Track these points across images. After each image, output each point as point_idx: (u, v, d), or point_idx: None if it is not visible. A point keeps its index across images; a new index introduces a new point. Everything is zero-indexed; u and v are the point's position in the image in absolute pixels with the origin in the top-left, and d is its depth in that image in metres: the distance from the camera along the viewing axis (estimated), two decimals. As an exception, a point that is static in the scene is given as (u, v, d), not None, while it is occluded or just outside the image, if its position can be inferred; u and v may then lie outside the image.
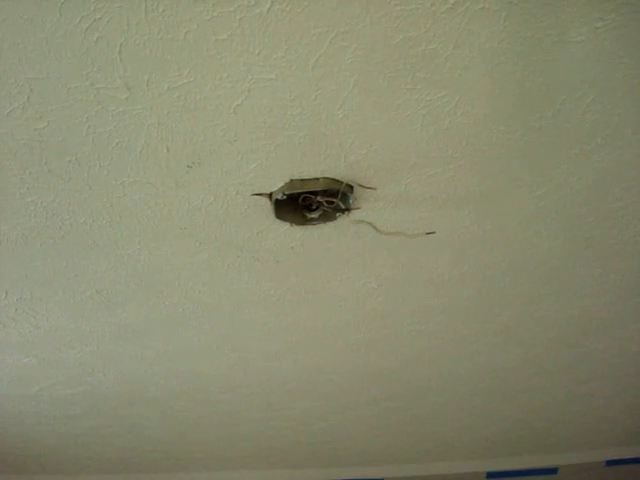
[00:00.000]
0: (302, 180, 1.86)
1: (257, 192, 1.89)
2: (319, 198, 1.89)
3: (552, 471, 4.65)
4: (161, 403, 3.34)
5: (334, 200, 1.88)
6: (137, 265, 2.20)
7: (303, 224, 2.02)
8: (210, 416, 3.56)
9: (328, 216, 1.99)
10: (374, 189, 1.91)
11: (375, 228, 2.05)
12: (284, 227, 2.06)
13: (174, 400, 3.32)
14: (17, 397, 3.18)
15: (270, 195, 1.89)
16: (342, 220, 2.02)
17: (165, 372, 3.01)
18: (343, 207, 1.92)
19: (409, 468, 4.58)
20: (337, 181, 1.86)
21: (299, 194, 1.88)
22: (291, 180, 1.85)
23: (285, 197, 1.87)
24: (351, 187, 1.89)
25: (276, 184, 1.87)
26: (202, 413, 3.51)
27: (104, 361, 2.87)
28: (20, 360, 2.81)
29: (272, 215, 1.96)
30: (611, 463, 4.61)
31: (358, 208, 1.98)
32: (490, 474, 4.67)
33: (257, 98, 1.57)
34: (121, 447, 3.95)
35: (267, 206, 1.94)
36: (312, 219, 2.00)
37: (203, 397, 3.31)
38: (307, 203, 1.93)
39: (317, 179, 1.85)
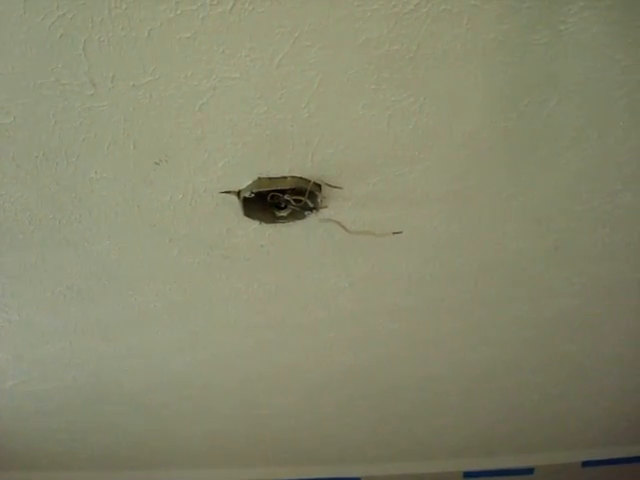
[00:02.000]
0: (270, 178, 1.86)
1: (225, 190, 1.89)
2: (287, 197, 1.89)
3: (528, 471, 4.66)
4: (136, 399, 3.34)
5: (302, 199, 1.89)
6: (107, 261, 2.20)
7: (272, 222, 2.03)
8: (185, 413, 3.56)
9: (297, 215, 1.99)
10: (341, 188, 1.92)
11: (343, 227, 2.05)
12: (253, 225, 2.06)
13: (149, 396, 3.31)
14: (-10, 392, 3.17)
15: (238, 193, 1.90)
16: (311, 219, 2.03)
17: (139, 368, 3.00)
18: (311, 206, 1.93)
19: (385, 467, 4.59)
20: (305, 180, 1.86)
21: (267, 192, 1.88)
22: (259, 178, 1.86)
23: (253, 195, 1.87)
24: (319, 186, 1.89)
25: (244, 182, 1.87)
26: (177, 409, 3.51)
27: (78, 357, 2.86)
28: (-7, 355, 2.81)
29: (241, 213, 1.97)
30: (587, 464, 4.63)
31: (326, 207, 1.99)
32: (467, 473, 4.68)
33: (222, 96, 1.58)
34: (98, 443, 3.94)
35: (236, 204, 1.95)
36: (281, 217, 2.00)
37: (178, 393, 3.31)
38: (276, 201, 1.94)
39: (285, 177, 1.86)
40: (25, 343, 2.72)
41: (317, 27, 1.43)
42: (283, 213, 1.99)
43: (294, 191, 1.88)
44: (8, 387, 3.12)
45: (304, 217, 2.00)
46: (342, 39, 1.46)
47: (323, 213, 2.01)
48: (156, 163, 1.78)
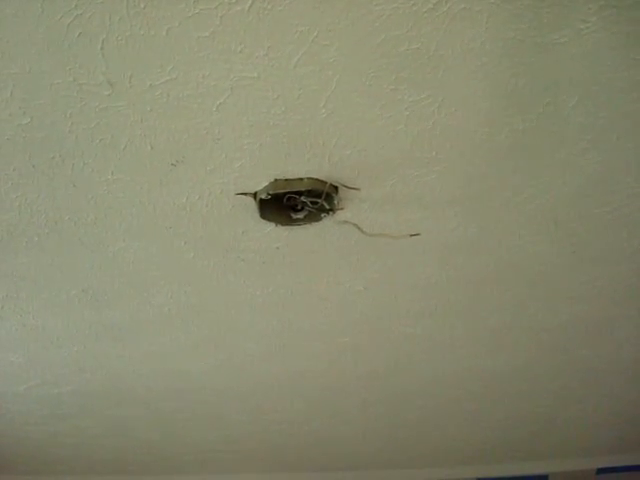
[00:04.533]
0: (286, 180, 1.86)
1: (241, 191, 1.89)
2: (303, 198, 1.89)
3: (542, 478, 4.64)
4: (149, 403, 3.33)
5: (318, 200, 1.88)
6: (122, 264, 2.20)
7: (288, 224, 2.02)
8: (197, 418, 3.55)
9: (313, 217, 1.99)
10: (358, 190, 1.91)
11: (360, 229, 2.05)
12: (269, 227, 2.06)
13: (162, 401, 3.31)
14: (4, 395, 3.17)
15: (255, 195, 1.89)
16: (327, 221, 2.02)
17: (152, 372, 3.00)
18: (328, 208, 1.92)
19: (397, 473, 4.57)
20: (321, 181, 1.86)
21: (284, 194, 1.88)
22: (275, 180, 1.85)
23: (270, 197, 1.87)
24: (335, 188, 1.89)
25: (260, 184, 1.87)
26: (190, 414, 3.50)
27: (91, 360, 2.86)
28: (7, 358, 2.80)
29: (257, 215, 1.96)
30: (602, 471, 4.60)
31: (343, 209, 1.98)
32: (480, 480, 4.67)
33: (240, 96, 1.57)
34: (109, 448, 3.94)
35: (252, 206, 1.94)
36: (297, 219, 2.00)
37: (190, 398, 3.30)
38: (292, 203, 1.93)
39: (301, 179, 1.85)
40: (39, 346, 2.72)
41: (335, 26, 1.42)
42: (299, 215, 1.98)
43: (310, 193, 1.88)
44: (21, 390, 3.12)
45: (320, 219, 2.00)
46: (360, 38, 1.45)
47: (339, 215, 2.00)
48: (172, 164, 1.78)
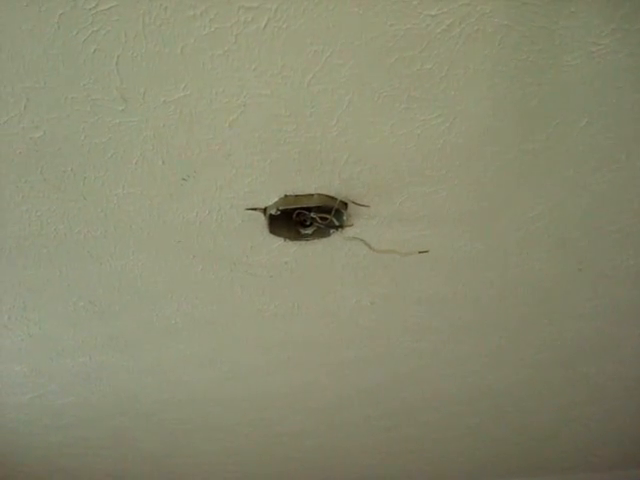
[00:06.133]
0: (296, 196, 1.86)
1: (251, 207, 1.89)
2: (313, 214, 1.90)
3: (544, 494, 4.63)
4: (152, 415, 3.33)
5: (328, 216, 1.89)
6: (130, 276, 2.20)
7: (297, 240, 2.03)
8: (201, 430, 3.54)
9: (322, 232, 2.00)
10: (368, 207, 1.92)
11: (368, 246, 2.05)
12: (278, 242, 2.06)
13: (165, 412, 3.30)
14: (7, 405, 3.16)
15: (264, 210, 1.90)
16: (336, 237, 2.03)
17: (157, 384, 3.00)
18: (337, 224, 1.93)
19: (400, 487, 4.57)
20: (331, 198, 1.87)
21: (293, 210, 1.89)
22: (285, 196, 1.86)
23: (279, 212, 1.88)
24: (345, 204, 1.89)
25: (270, 199, 1.87)
26: (193, 426, 3.49)
27: (96, 371, 2.86)
28: (12, 368, 2.80)
29: (266, 230, 1.97)
30: (604, 487, 4.59)
31: (351, 225, 1.98)
32: (482, 495, 4.65)
33: (252, 113, 1.58)
34: (112, 459, 3.93)
35: (261, 221, 1.95)
36: (306, 235, 2.01)
37: (194, 410, 3.30)
38: (301, 219, 1.94)
39: (311, 195, 1.86)
40: (44, 357, 2.71)
41: (349, 46, 1.43)
42: (308, 231, 1.99)
43: (320, 209, 1.89)
44: (25, 400, 3.12)
45: (329, 235, 2.01)
46: (374, 58, 1.46)
47: (348, 231, 2.01)
48: (183, 179, 1.78)
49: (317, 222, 1.92)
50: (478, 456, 4.20)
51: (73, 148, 1.66)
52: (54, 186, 1.79)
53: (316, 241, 2.06)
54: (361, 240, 2.05)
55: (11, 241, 2.00)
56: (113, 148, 1.67)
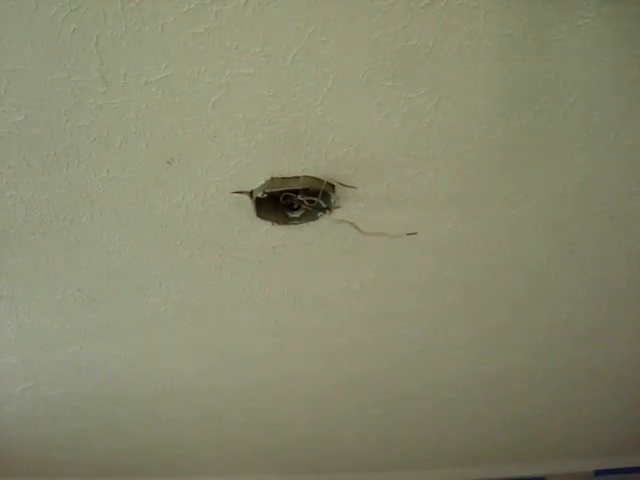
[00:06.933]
0: (283, 178, 1.85)
1: (237, 190, 1.88)
2: (300, 197, 1.87)
3: (540, 480, 4.64)
4: (144, 405, 3.32)
5: (315, 199, 1.87)
6: (118, 263, 2.18)
7: (285, 223, 2.01)
8: (194, 419, 3.54)
9: (310, 216, 1.98)
10: (355, 188, 1.90)
11: (357, 228, 2.04)
12: (265, 226, 2.05)
13: (157, 402, 3.29)
14: (-1, 397, 3.16)
15: (251, 193, 1.88)
16: (324, 220, 2.01)
17: (148, 373, 2.99)
18: (324, 206, 1.91)
19: (394, 476, 4.56)
20: (318, 179, 1.85)
21: (280, 192, 1.87)
22: (272, 178, 1.84)
23: (266, 195, 1.86)
24: (332, 186, 1.88)
25: (257, 182, 1.86)
26: (186, 416, 3.49)
27: (87, 361, 2.84)
28: (2, 359, 2.79)
29: (253, 214, 1.95)
30: (599, 473, 4.60)
31: (339, 207, 1.97)
32: (477, 482, 4.65)
33: (236, 93, 1.57)
34: (105, 450, 3.93)
35: (248, 204, 1.93)
36: (294, 219, 1.99)
37: (186, 399, 3.29)
38: (288, 202, 1.92)
39: (298, 177, 1.84)
40: (35, 347, 2.70)
41: (332, 22, 1.41)
42: (296, 214, 1.97)
43: (307, 191, 1.86)
44: (16, 392, 3.10)
45: (317, 218, 1.99)
46: (357, 34, 1.44)
47: (336, 214, 1.99)
48: (168, 162, 1.77)
49: (304, 205, 1.90)
50: (472, 443, 4.21)
51: (55, 132, 1.64)
52: (37, 171, 1.77)
53: (304, 225, 2.04)
54: (350, 223, 2.03)
55: (-3, 229, 1.98)
56: (96, 131, 1.65)
